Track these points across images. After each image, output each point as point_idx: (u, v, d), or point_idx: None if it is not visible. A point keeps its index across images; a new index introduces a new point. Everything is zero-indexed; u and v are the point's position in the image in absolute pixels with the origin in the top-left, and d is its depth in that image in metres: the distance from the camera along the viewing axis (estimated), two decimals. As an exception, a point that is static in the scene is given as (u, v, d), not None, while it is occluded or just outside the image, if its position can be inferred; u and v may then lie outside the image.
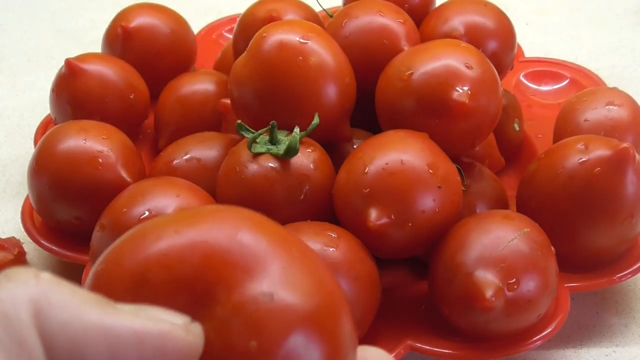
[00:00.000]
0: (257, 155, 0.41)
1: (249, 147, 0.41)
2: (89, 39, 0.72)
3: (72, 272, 0.47)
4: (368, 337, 0.39)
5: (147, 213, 0.39)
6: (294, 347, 0.18)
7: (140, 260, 0.19)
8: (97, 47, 0.58)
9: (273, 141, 0.41)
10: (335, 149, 0.46)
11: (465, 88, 0.41)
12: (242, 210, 0.21)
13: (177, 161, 0.46)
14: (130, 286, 0.19)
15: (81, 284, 0.42)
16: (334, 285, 0.20)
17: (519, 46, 0.58)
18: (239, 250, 0.19)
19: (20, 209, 0.48)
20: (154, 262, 0.19)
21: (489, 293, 0.36)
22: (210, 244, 0.19)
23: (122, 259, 0.19)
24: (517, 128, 0.53)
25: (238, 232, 0.19)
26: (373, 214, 0.38)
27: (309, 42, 0.43)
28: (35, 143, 0.53)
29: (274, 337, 0.18)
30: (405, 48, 0.47)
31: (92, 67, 0.51)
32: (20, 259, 0.48)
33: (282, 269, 0.19)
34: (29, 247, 0.48)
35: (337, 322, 0.19)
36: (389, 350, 0.39)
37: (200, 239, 0.19)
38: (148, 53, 0.55)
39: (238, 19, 0.52)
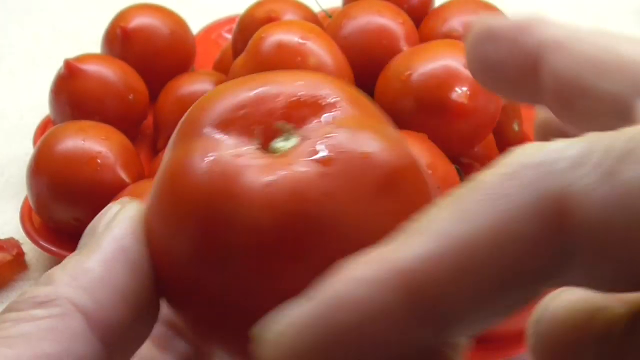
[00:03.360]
0: (255, 155, 0.41)
1: (248, 148, 0.41)
2: (88, 39, 0.72)
3: (71, 273, 0.47)
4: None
5: (145, 214, 0.39)
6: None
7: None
8: (96, 48, 0.58)
9: (272, 142, 0.41)
10: (334, 149, 0.46)
11: (464, 88, 0.41)
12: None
13: (176, 162, 0.46)
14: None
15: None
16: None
17: (518, 46, 0.58)
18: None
19: (19, 210, 0.48)
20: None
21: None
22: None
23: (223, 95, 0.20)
24: (517, 128, 0.53)
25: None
26: (372, 214, 0.38)
27: (307, 42, 0.43)
28: (34, 143, 0.53)
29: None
30: (404, 48, 0.47)
31: (91, 67, 0.51)
32: (18, 259, 0.48)
33: None
34: (28, 247, 0.48)
35: None
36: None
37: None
38: (147, 53, 0.55)
39: (237, 20, 0.52)
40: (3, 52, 0.72)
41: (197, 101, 0.21)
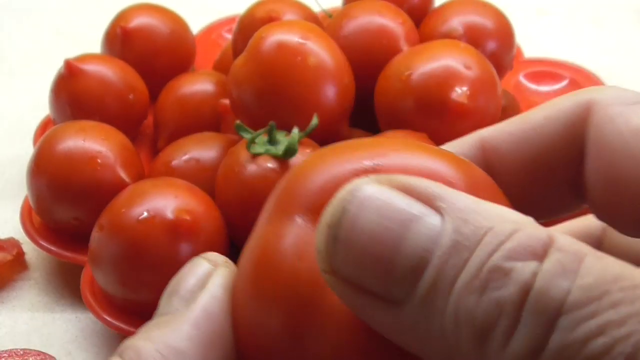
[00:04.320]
0: (255, 155, 0.41)
1: (248, 148, 0.41)
2: (89, 39, 0.72)
3: (71, 273, 0.47)
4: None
5: (145, 214, 0.39)
6: None
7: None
8: (96, 48, 0.58)
9: (272, 142, 0.41)
10: (334, 149, 0.46)
11: (464, 88, 0.41)
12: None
13: (176, 162, 0.46)
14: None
15: (80, 285, 0.43)
16: None
17: (518, 46, 0.58)
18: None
19: (19, 210, 0.48)
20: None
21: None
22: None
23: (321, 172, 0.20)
24: (517, 128, 0.53)
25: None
26: (372, 214, 0.38)
27: (307, 42, 0.43)
28: (34, 143, 0.53)
29: None
30: (405, 48, 0.47)
31: (91, 67, 0.51)
32: (19, 259, 0.48)
33: None
34: (28, 247, 0.48)
35: None
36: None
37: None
38: (147, 53, 0.55)
39: (237, 19, 0.52)
40: (3, 52, 0.72)
41: (300, 167, 0.20)
